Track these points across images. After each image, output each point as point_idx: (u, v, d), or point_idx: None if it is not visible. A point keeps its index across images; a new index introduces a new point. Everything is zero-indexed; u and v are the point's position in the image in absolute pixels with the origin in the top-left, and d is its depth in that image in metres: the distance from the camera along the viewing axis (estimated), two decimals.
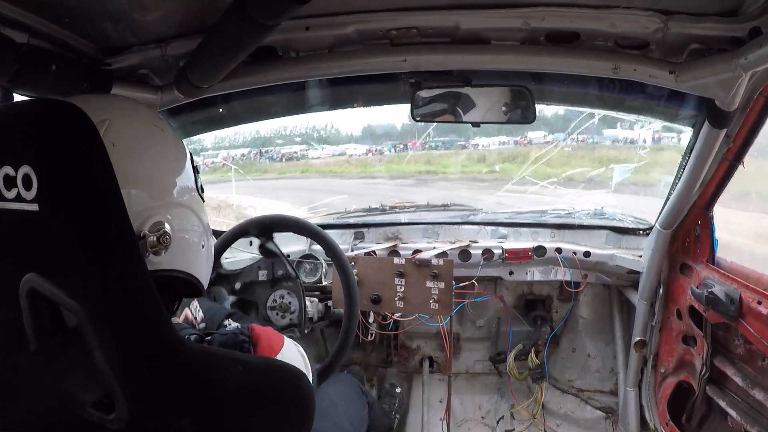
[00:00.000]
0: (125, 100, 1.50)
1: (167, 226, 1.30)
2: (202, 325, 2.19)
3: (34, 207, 0.99)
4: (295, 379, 1.32)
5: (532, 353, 3.90)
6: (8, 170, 1.00)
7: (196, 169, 1.49)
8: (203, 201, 1.50)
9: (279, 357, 1.45)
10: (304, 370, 1.48)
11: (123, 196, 1.11)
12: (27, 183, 0.99)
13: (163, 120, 1.44)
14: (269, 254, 2.97)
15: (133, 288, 1.06)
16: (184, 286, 1.42)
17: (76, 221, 1.00)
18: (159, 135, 1.38)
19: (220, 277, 2.99)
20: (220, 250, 2.94)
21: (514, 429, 4.08)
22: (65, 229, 0.99)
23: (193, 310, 2.21)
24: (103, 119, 1.25)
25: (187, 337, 1.39)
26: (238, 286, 2.98)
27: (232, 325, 2.10)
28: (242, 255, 3.49)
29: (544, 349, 3.99)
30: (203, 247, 1.47)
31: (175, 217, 1.34)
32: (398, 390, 4.00)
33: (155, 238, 1.27)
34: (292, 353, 1.52)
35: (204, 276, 1.50)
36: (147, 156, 1.33)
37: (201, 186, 1.50)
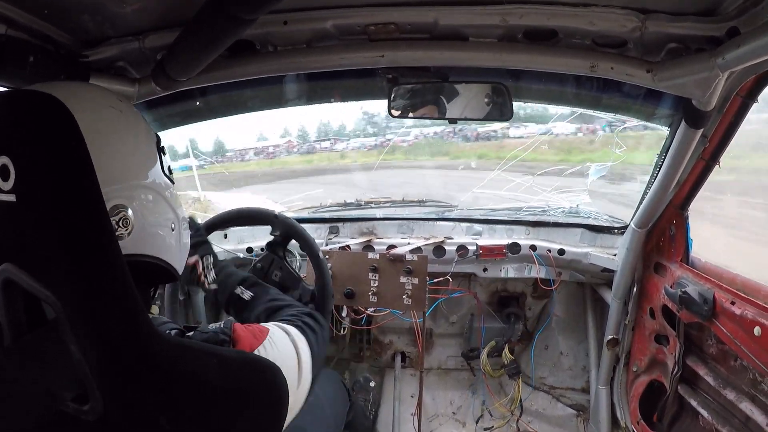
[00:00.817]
0: (81, 85, 1.53)
1: (129, 211, 1.27)
2: (213, 286, 2.15)
3: (12, 198, 0.99)
4: (267, 372, 1.32)
5: (506, 349, 3.90)
6: None
7: (162, 150, 1.46)
8: (172, 183, 1.47)
9: (260, 349, 1.42)
10: (293, 359, 1.49)
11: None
12: (4, 173, 0.98)
13: (124, 101, 1.41)
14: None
15: (110, 280, 1.05)
16: (155, 273, 1.41)
17: (53, 212, 1.00)
18: (117, 116, 1.34)
19: None
20: (215, 227, 2.89)
21: (492, 426, 4.08)
22: (42, 220, 0.99)
23: (206, 266, 2.16)
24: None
25: (167, 331, 1.36)
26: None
27: (245, 294, 2.07)
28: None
29: (517, 345, 4.01)
30: (173, 230, 1.44)
31: (137, 200, 1.31)
32: (372, 384, 4.01)
33: (115, 222, 1.24)
34: (278, 343, 1.48)
35: (177, 261, 1.48)
36: (103, 139, 1.28)
37: (169, 168, 1.47)
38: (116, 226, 1.25)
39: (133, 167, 1.33)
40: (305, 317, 1.75)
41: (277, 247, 2.82)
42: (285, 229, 2.78)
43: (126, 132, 1.35)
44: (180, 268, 1.50)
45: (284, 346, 1.49)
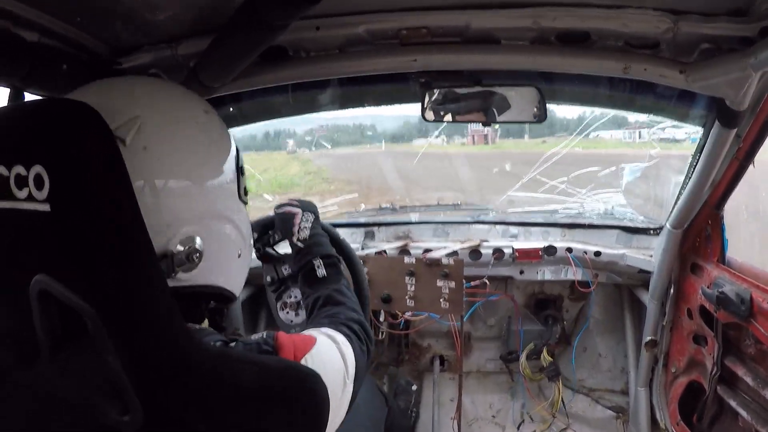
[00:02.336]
0: (160, 86, 1.47)
1: (198, 241, 1.26)
2: (300, 245, 2.05)
3: (46, 207, 0.97)
4: (307, 380, 1.29)
5: (545, 352, 3.87)
6: (20, 169, 0.98)
7: (241, 170, 1.44)
8: (245, 204, 1.46)
9: (306, 359, 1.40)
10: (339, 371, 1.45)
11: (151, 204, 1.14)
12: (39, 183, 0.97)
13: (210, 111, 1.40)
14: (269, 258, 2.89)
15: (146, 290, 1.05)
16: (212, 295, 1.40)
17: (88, 223, 0.99)
18: (199, 133, 1.33)
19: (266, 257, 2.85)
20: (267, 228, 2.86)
21: (535, 431, 4.07)
22: (77, 231, 0.99)
23: (304, 222, 2.07)
24: (134, 116, 1.21)
25: (213, 343, 1.35)
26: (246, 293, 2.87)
27: (320, 269, 1.97)
28: None
29: (556, 348, 3.99)
30: (239, 256, 1.44)
31: (208, 230, 1.30)
32: (414, 387, 4.00)
33: (184, 256, 1.24)
34: (325, 354, 1.44)
35: (236, 286, 1.47)
36: (182, 160, 1.26)
37: (245, 189, 1.46)
38: (184, 260, 1.25)
39: (210, 194, 1.32)
40: (355, 324, 1.71)
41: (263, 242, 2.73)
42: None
43: (208, 152, 1.34)
44: (238, 291, 1.48)
45: (331, 357, 1.45)
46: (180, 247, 1.24)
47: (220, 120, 1.43)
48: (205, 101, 1.45)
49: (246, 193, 1.46)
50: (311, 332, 1.50)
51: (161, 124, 1.25)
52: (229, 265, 1.40)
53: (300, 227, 2.04)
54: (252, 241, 1.58)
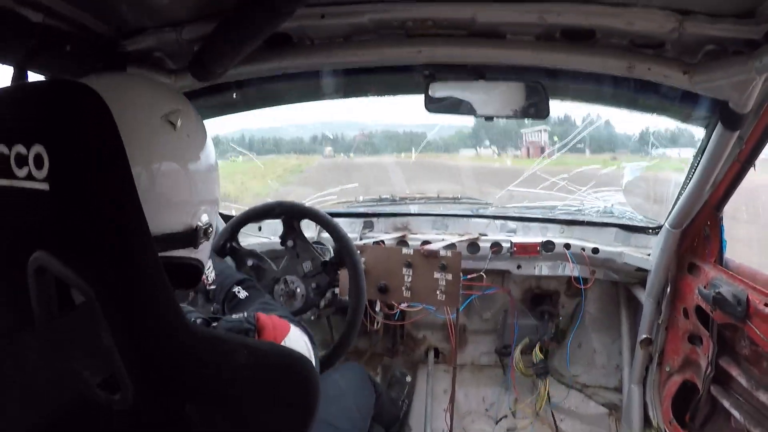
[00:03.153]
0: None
1: (205, 218, 1.40)
2: (212, 286, 2.21)
3: (45, 186, 0.98)
4: (299, 364, 1.32)
5: (537, 348, 3.91)
6: (20, 149, 1.00)
7: None
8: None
9: (285, 342, 1.44)
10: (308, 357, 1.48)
11: (184, 184, 1.28)
12: (38, 162, 0.98)
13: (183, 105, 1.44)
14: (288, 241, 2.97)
15: (141, 270, 1.06)
16: (186, 271, 1.45)
17: (85, 202, 1.00)
18: (204, 128, 1.45)
19: (233, 251, 2.98)
20: (237, 227, 2.95)
21: (516, 427, 4.09)
22: (75, 210, 1.00)
23: (206, 269, 2.20)
24: (176, 109, 1.32)
25: (193, 320, 1.38)
26: (249, 263, 2.97)
27: (241, 293, 2.12)
28: (253, 240, 3.52)
29: (550, 344, 4.01)
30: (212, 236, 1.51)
31: (211, 212, 1.44)
32: (408, 379, 4.03)
33: (202, 231, 1.40)
34: (296, 342, 1.49)
35: (207, 263, 1.55)
36: (208, 150, 1.43)
37: None
38: (202, 235, 1.40)
39: (215, 179, 1.47)
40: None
41: (331, 268, 2.86)
42: (342, 254, 2.81)
43: (210, 143, 1.46)
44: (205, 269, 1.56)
45: (300, 346, 1.50)
46: (201, 222, 1.39)
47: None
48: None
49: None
50: (283, 317, 1.58)
51: (192, 116, 1.39)
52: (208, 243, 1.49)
53: (206, 275, 2.20)
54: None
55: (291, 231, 2.93)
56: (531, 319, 4.04)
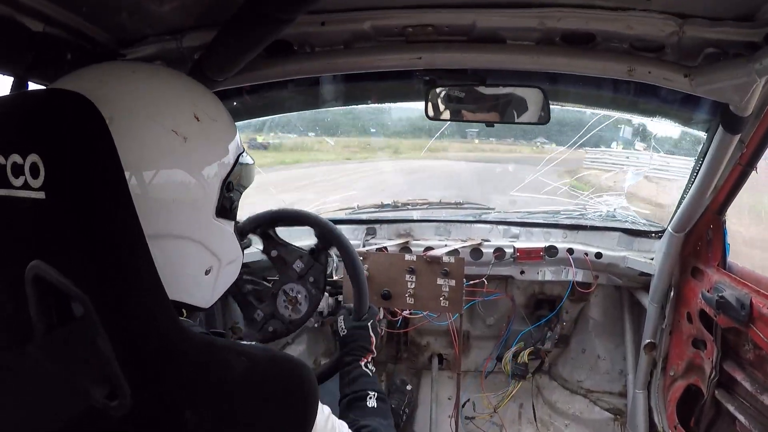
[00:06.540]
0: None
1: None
2: (343, 332, 2.32)
3: (41, 195, 0.99)
4: (297, 370, 1.30)
5: (525, 352, 3.88)
6: (16, 158, 1.00)
7: (227, 187, 1.36)
8: (232, 220, 1.43)
9: None
10: None
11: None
12: (34, 171, 0.98)
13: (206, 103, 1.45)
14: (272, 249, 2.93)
15: (138, 278, 1.06)
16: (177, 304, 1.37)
17: (81, 211, 1.00)
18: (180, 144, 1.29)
19: None
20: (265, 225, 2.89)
21: (474, 417, 4.12)
22: (71, 219, 1.00)
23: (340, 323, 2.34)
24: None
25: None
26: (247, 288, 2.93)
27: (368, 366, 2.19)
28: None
29: (553, 349, 4.00)
30: (207, 273, 1.38)
31: (161, 249, 1.20)
32: (409, 387, 3.99)
33: None
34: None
35: (203, 300, 1.43)
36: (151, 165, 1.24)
37: (231, 203, 1.40)
38: None
39: (182, 217, 1.28)
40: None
41: (319, 254, 2.84)
42: (325, 236, 2.79)
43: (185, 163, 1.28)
44: (207, 304, 1.45)
45: None
46: None
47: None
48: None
49: (233, 208, 1.42)
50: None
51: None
52: (192, 284, 1.36)
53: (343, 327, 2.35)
54: (236, 256, 1.51)
55: (269, 240, 2.88)
56: (534, 324, 4.01)
